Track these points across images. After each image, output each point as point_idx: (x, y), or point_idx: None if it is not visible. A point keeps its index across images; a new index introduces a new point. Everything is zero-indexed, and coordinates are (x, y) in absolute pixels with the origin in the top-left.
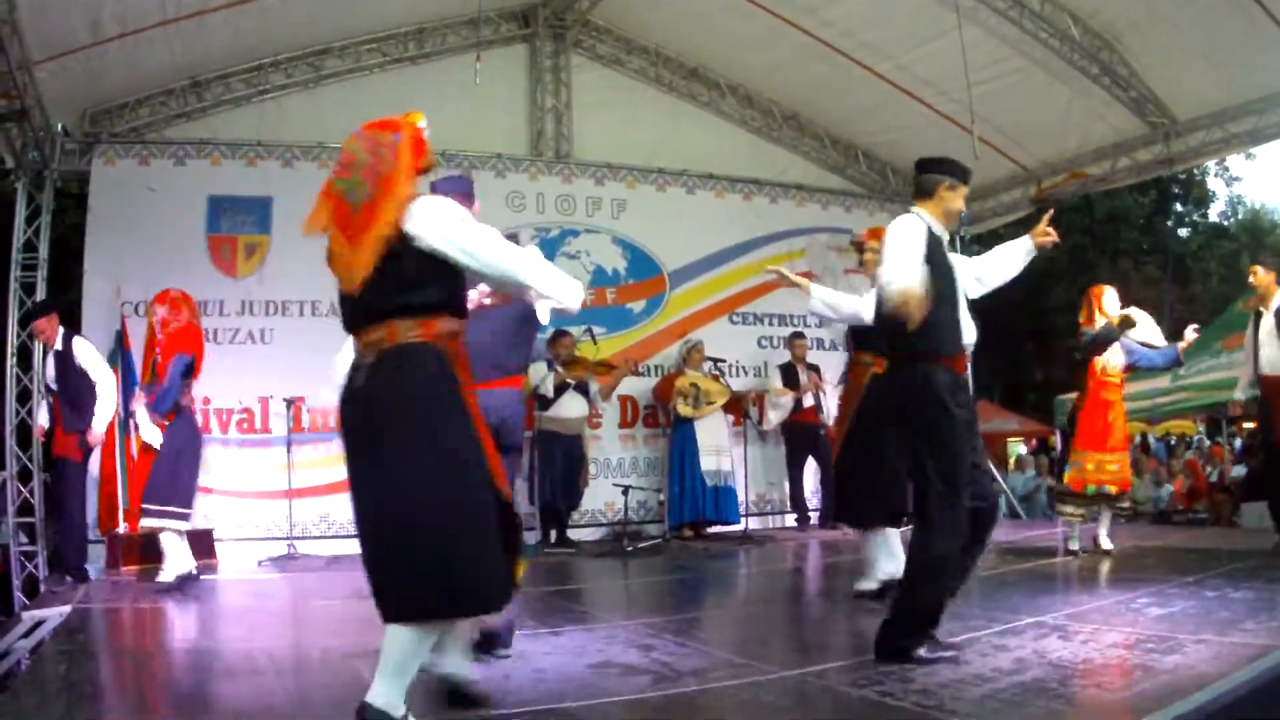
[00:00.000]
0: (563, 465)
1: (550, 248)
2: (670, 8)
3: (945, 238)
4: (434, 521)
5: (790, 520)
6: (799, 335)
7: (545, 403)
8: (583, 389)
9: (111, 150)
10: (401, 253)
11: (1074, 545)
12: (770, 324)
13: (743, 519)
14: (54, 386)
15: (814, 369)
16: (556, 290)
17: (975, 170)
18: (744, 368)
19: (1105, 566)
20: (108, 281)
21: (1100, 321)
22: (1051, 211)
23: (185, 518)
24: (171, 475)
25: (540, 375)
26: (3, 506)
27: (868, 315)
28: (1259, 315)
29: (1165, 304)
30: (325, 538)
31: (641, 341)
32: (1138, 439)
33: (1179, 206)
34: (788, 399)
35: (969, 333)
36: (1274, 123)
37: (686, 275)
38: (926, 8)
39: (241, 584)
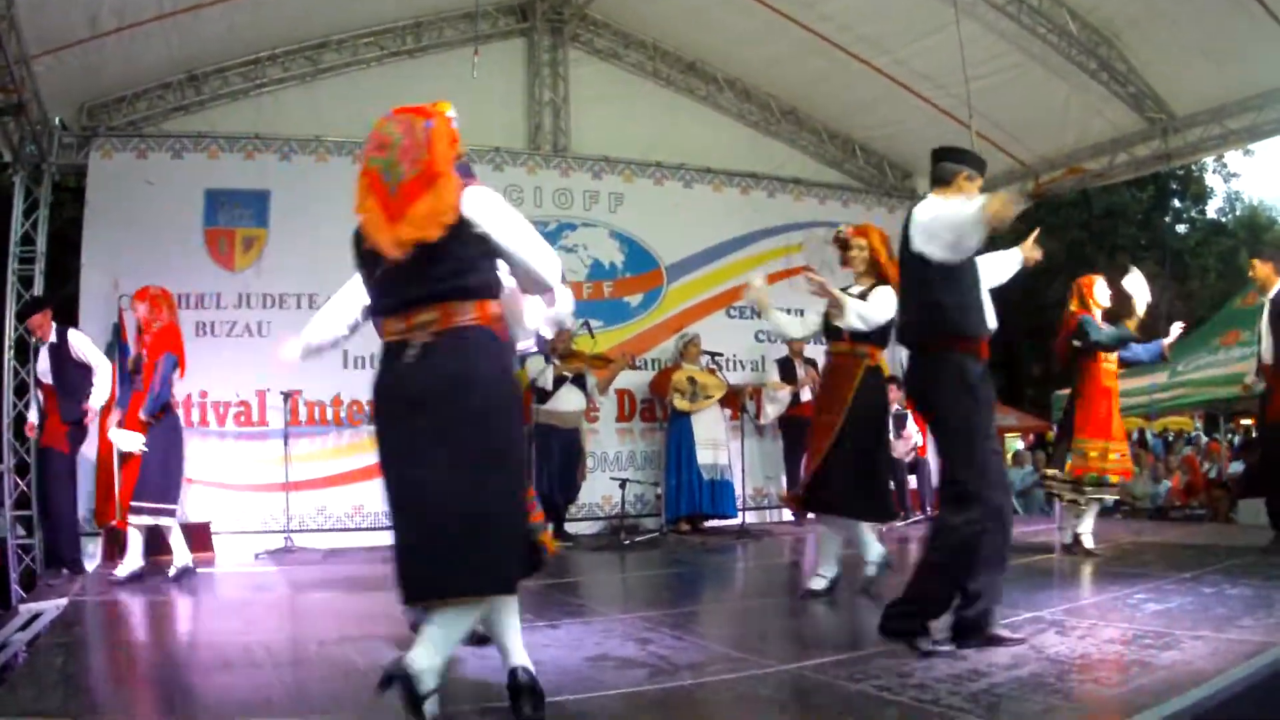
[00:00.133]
0: (560, 458)
1: (548, 241)
2: (668, 2)
3: None
4: (489, 501)
5: (787, 514)
6: None
7: (543, 396)
8: (580, 382)
9: (109, 144)
10: (457, 236)
11: (1079, 532)
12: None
13: (740, 513)
14: (46, 380)
15: (811, 363)
16: (564, 300)
17: None
18: (741, 362)
19: (1102, 563)
20: (105, 275)
21: (1096, 312)
22: (1038, 230)
23: (175, 514)
24: (163, 472)
25: (538, 368)
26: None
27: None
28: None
29: (1163, 300)
30: (322, 530)
31: (639, 335)
32: (1135, 434)
33: (1177, 202)
34: (785, 393)
35: (992, 319)
36: (1272, 119)
37: (684, 269)
38: (924, 2)
39: (238, 577)
